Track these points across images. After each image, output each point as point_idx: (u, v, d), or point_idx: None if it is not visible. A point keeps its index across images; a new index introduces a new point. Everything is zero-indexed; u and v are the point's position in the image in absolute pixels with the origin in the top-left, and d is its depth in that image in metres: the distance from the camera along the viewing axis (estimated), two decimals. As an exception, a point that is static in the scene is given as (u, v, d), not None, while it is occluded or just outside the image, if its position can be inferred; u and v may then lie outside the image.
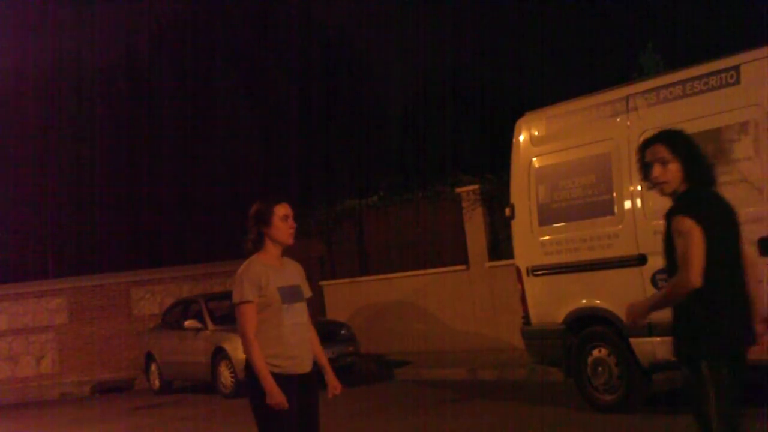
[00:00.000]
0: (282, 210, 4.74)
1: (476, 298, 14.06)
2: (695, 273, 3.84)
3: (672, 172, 4.05)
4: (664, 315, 7.42)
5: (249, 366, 4.66)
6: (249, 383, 4.71)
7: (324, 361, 4.92)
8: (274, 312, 4.65)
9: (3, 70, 24.30)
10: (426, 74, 28.15)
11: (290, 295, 4.70)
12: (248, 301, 4.59)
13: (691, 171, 4.04)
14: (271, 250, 4.75)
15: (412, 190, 15.66)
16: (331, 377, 4.87)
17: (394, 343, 15.18)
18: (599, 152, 8.09)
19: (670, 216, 4.01)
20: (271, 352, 4.60)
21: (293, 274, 4.81)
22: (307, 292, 4.88)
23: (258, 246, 4.75)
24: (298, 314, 4.73)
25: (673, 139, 4.12)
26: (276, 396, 4.51)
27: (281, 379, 4.57)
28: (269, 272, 4.67)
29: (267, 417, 4.64)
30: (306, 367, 4.73)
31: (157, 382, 15.37)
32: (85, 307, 18.02)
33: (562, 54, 24.13)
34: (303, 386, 4.69)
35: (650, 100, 7.71)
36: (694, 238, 3.85)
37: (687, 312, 4.00)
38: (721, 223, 4.01)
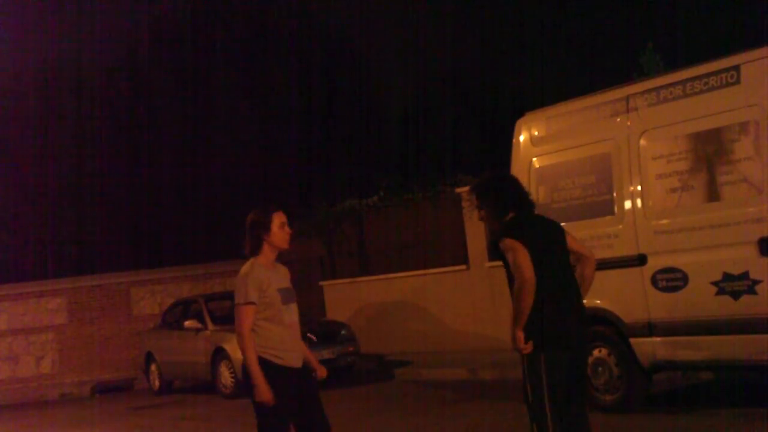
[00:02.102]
0: (279, 218, 5.11)
1: (476, 298, 14.05)
2: (527, 271, 4.67)
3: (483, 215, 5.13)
4: (665, 315, 7.46)
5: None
6: (246, 377, 5.09)
7: (304, 349, 5.33)
8: (276, 312, 5.06)
9: (3, 71, 24.29)
10: (426, 74, 28.13)
11: (287, 296, 5.15)
12: (251, 303, 4.97)
13: (500, 209, 5.01)
14: (268, 254, 5.14)
15: (412, 190, 15.64)
16: (315, 364, 5.31)
17: (394, 343, 15.17)
18: (599, 152, 8.09)
19: (497, 242, 4.92)
20: (275, 347, 5.02)
21: (285, 276, 5.25)
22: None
23: (256, 250, 5.12)
24: (294, 313, 5.19)
25: (478, 191, 5.16)
26: (263, 393, 4.90)
27: (284, 370, 5.02)
28: (269, 275, 5.07)
29: (265, 409, 5.03)
30: (300, 362, 5.17)
31: (157, 382, 15.37)
32: (85, 307, 18.03)
33: (562, 54, 24.12)
34: (301, 377, 5.13)
35: (650, 100, 7.70)
36: (517, 249, 4.73)
37: (532, 312, 4.73)
38: (542, 237, 4.88)
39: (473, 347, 13.87)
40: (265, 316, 5.01)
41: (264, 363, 4.98)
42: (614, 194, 7.91)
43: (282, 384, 4.99)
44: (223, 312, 15.26)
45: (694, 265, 7.19)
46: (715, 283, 7.03)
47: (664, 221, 7.45)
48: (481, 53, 26.36)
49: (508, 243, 4.79)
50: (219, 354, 13.35)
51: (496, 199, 5.05)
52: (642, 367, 7.75)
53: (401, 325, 15.29)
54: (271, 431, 5.06)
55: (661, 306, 7.46)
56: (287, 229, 5.13)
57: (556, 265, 4.91)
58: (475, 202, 5.20)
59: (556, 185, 8.48)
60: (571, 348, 4.80)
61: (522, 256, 4.70)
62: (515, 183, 5.18)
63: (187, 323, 14.25)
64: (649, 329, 7.56)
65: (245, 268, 5.07)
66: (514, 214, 5.00)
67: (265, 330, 5.00)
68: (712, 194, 7.18)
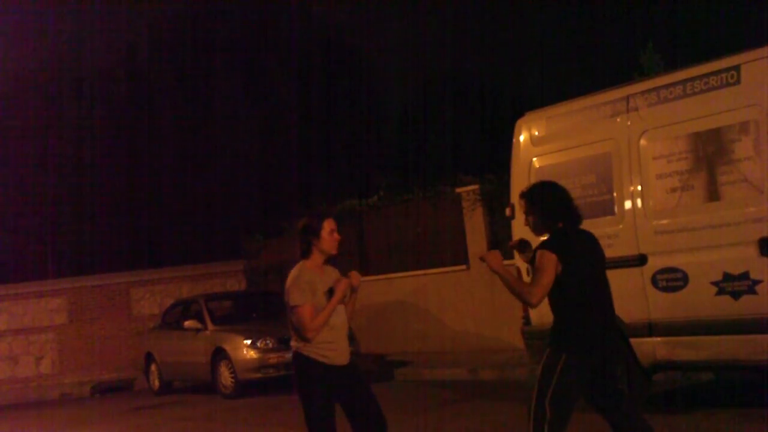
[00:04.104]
0: (330, 225, 5.39)
1: (476, 298, 14.05)
2: (539, 292, 4.78)
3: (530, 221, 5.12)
4: (665, 315, 7.45)
5: (297, 355, 5.34)
6: (295, 371, 5.38)
7: (351, 306, 5.60)
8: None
9: (3, 71, 24.29)
10: (426, 74, 28.14)
11: (331, 297, 5.35)
12: (308, 303, 5.23)
13: (548, 218, 5.04)
14: (317, 259, 5.41)
15: (412, 190, 15.63)
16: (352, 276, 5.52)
17: (394, 343, 15.17)
18: (599, 152, 8.08)
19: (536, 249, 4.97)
20: (321, 347, 5.27)
21: (333, 278, 5.45)
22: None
23: (306, 254, 5.42)
24: (340, 314, 5.42)
25: (528, 197, 5.13)
26: None
27: (327, 368, 5.26)
28: (317, 278, 5.34)
29: (311, 406, 5.25)
30: (345, 359, 5.41)
31: (156, 383, 15.36)
32: (85, 307, 18.02)
33: (562, 54, 24.13)
34: (348, 375, 5.39)
35: (650, 100, 7.69)
36: (547, 268, 4.81)
37: (562, 317, 4.90)
38: (584, 251, 5.00)
39: (473, 347, 13.86)
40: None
41: (309, 362, 5.25)
42: (614, 194, 7.90)
43: (327, 382, 5.25)
44: (223, 312, 15.27)
45: (694, 265, 7.18)
46: (715, 283, 7.02)
47: (665, 221, 7.44)
48: (481, 54, 26.37)
49: (542, 256, 4.85)
50: (219, 354, 13.35)
51: (547, 207, 5.06)
52: (642, 367, 7.74)
53: (401, 325, 15.28)
54: (318, 426, 5.24)
55: (662, 306, 7.46)
56: (336, 235, 5.40)
57: (593, 277, 4.99)
58: (523, 208, 5.17)
59: (556, 185, 8.46)
60: (593, 355, 4.87)
61: (547, 277, 4.79)
62: (566, 193, 5.17)
63: (186, 323, 14.24)
64: (649, 329, 7.56)
65: (294, 271, 5.35)
66: (563, 224, 5.04)
67: None
68: (713, 194, 7.18)
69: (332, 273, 5.49)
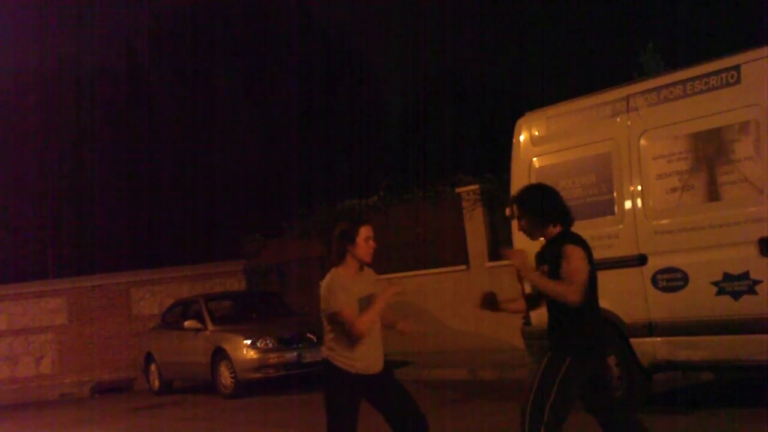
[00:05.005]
0: (366, 231, 5.25)
1: (476, 298, 14.02)
2: (581, 287, 4.76)
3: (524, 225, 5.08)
4: (665, 315, 7.45)
5: (325, 362, 5.22)
6: (323, 377, 5.27)
7: (392, 321, 5.53)
8: None
9: (3, 71, 24.30)
10: (426, 74, 28.14)
11: (367, 304, 5.21)
12: (346, 305, 5.10)
13: (541, 220, 5.01)
14: (351, 265, 5.27)
15: (412, 190, 15.63)
16: (402, 325, 5.57)
17: (394, 343, 15.14)
18: (599, 152, 8.07)
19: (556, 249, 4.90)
20: (349, 355, 5.15)
21: (369, 283, 5.35)
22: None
23: (340, 260, 5.28)
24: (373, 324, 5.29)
25: (519, 201, 5.11)
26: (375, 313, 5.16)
27: (355, 377, 5.14)
28: (351, 284, 5.21)
29: (331, 408, 5.18)
30: (378, 367, 5.28)
31: (156, 383, 15.35)
32: (85, 308, 18.01)
33: (562, 54, 24.13)
34: (381, 381, 5.28)
35: (650, 100, 7.69)
36: (581, 258, 4.83)
37: (570, 318, 4.84)
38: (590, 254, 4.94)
39: (473, 347, 13.85)
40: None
41: (336, 370, 5.14)
42: (614, 194, 7.89)
43: (354, 391, 5.17)
44: (223, 312, 15.26)
45: (694, 265, 7.18)
46: (715, 283, 7.02)
47: (665, 221, 7.44)
48: (481, 53, 26.37)
49: (574, 251, 4.80)
50: (219, 354, 13.34)
51: (538, 210, 5.02)
52: (642, 367, 7.74)
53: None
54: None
55: (662, 306, 7.45)
56: (372, 243, 5.27)
57: (594, 279, 4.98)
58: (516, 213, 5.11)
59: (556, 185, 8.33)
60: (597, 356, 4.89)
61: (584, 273, 4.77)
62: (558, 195, 5.14)
63: (186, 323, 14.24)
64: (650, 329, 7.55)
65: (328, 278, 5.23)
66: (561, 227, 5.00)
67: (341, 339, 5.14)
68: (713, 194, 7.17)
69: (369, 277, 5.39)
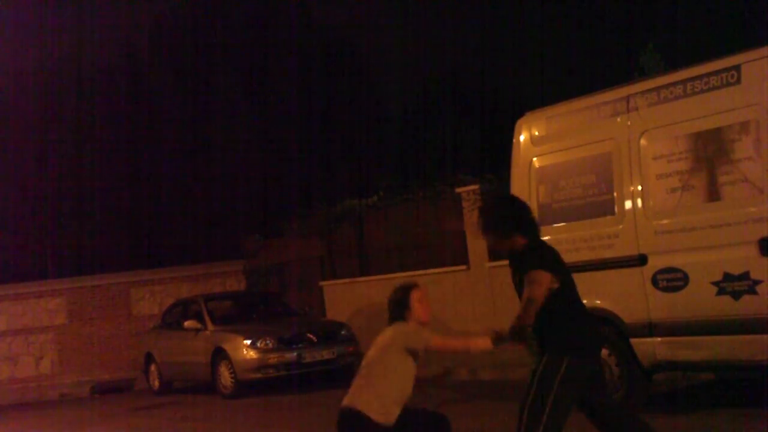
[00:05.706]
0: (417, 294, 5.40)
1: (476, 298, 14.04)
2: (537, 304, 4.71)
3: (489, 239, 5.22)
4: (665, 315, 7.44)
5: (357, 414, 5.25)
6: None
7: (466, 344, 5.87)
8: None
9: (3, 70, 24.29)
10: (426, 74, 28.15)
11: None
12: (433, 335, 5.38)
13: (502, 232, 5.09)
14: (412, 325, 5.39)
15: (412, 190, 15.63)
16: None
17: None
18: (600, 152, 8.07)
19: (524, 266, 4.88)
20: (384, 404, 5.21)
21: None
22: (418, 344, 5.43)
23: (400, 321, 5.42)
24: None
25: (481, 214, 5.23)
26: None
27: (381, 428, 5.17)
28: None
29: None
30: (396, 416, 5.28)
31: (156, 383, 15.35)
32: (85, 308, 18.01)
33: (562, 54, 24.14)
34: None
35: (650, 99, 7.68)
36: (541, 285, 4.76)
37: (563, 320, 4.86)
38: (559, 259, 4.98)
39: (473, 347, 13.83)
40: (394, 370, 5.26)
41: (364, 420, 5.13)
42: (615, 194, 7.89)
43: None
44: (223, 312, 15.25)
45: (694, 265, 7.17)
46: (715, 284, 7.01)
47: (665, 221, 7.43)
48: (481, 53, 26.38)
49: (535, 275, 4.77)
50: (219, 354, 13.34)
51: (499, 222, 5.09)
52: (642, 367, 7.74)
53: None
54: None
55: (662, 306, 7.45)
56: (426, 302, 5.42)
57: (574, 283, 5.02)
58: (480, 226, 5.20)
59: (556, 185, 8.46)
60: (594, 357, 4.92)
61: (541, 294, 4.73)
62: (525, 207, 5.16)
63: (186, 323, 14.23)
64: (650, 329, 7.54)
65: (393, 328, 5.34)
66: (525, 239, 5.01)
67: (393, 385, 5.24)
68: (713, 194, 7.17)
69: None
